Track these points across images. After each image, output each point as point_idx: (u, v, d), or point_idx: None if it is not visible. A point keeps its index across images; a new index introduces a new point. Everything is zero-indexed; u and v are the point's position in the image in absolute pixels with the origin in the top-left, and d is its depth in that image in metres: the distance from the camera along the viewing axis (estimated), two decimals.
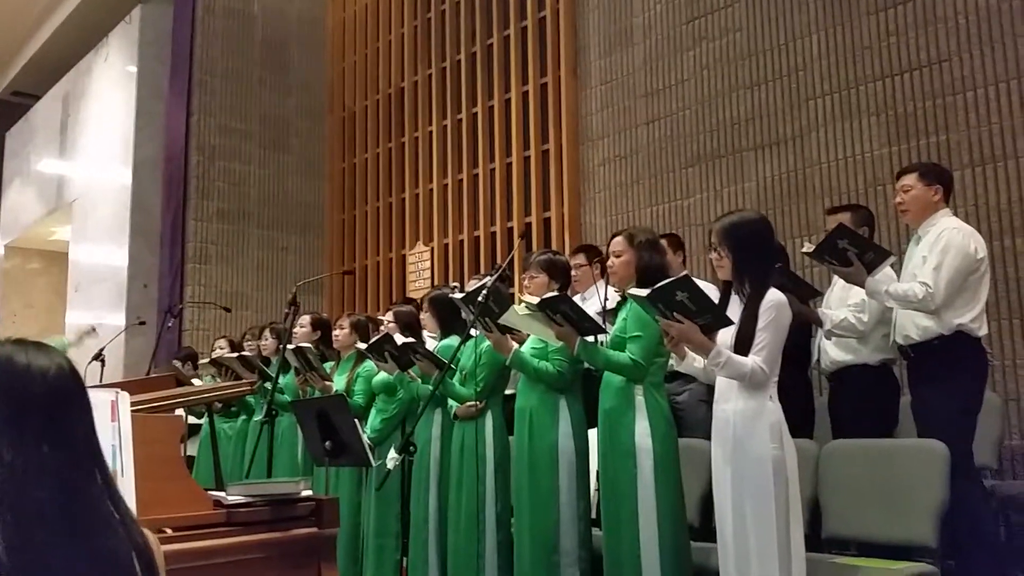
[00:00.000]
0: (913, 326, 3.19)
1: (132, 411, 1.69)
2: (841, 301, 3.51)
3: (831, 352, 3.54)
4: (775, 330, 2.53)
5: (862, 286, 3.14)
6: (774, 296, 2.56)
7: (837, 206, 3.89)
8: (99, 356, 5.29)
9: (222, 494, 1.74)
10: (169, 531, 1.53)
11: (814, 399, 3.81)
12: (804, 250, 3.23)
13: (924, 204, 3.28)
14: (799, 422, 3.41)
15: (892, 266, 3.21)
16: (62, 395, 1.07)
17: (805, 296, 3.49)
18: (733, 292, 2.68)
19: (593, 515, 3.40)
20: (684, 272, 2.62)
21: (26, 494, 1.00)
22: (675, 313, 2.51)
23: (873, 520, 2.97)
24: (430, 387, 3.73)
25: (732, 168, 5.38)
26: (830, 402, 3.61)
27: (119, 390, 1.61)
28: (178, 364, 5.86)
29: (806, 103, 5.06)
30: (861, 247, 3.08)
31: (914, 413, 3.26)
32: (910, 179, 3.31)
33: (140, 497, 1.56)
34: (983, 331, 3.16)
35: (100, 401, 1.57)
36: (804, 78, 5.07)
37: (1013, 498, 3.49)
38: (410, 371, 3.93)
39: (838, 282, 3.52)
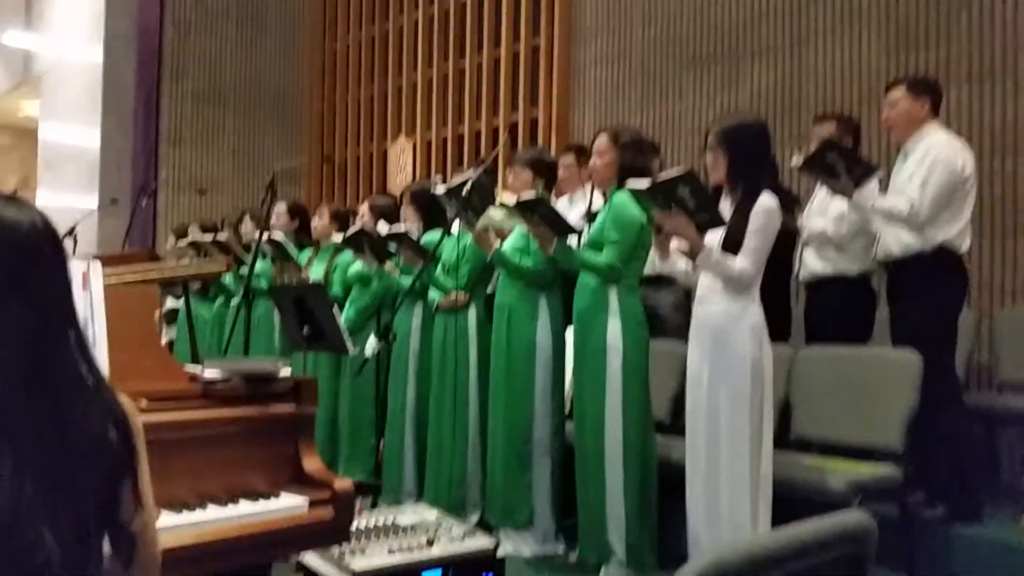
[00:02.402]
0: (896, 242, 3.20)
1: (106, 285, 1.64)
2: (821, 211, 3.50)
3: (810, 263, 3.56)
4: (764, 235, 2.53)
5: (849, 199, 3.12)
6: (767, 200, 2.54)
7: (823, 115, 3.84)
8: (71, 232, 5.17)
9: (198, 368, 1.72)
10: (144, 402, 1.50)
11: (791, 307, 3.85)
12: (792, 163, 3.20)
13: (911, 118, 3.24)
14: (775, 327, 3.45)
15: (879, 181, 3.20)
16: (34, 251, 1.01)
17: (788, 206, 3.47)
18: (724, 195, 2.65)
19: (568, 412, 3.46)
20: (688, 167, 2.58)
21: None
22: (672, 209, 2.49)
23: (842, 424, 3.05)
24: (408, 280, 3.71)
25: (727, 74, 5.25)
26: (806, 310, 3.65)
27: (91, 259, 1.55)
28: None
29: (806, 9, 4.90)
30: (849, 161, 3.06)
31: (892, 326, 3.31)
32: (898, 92, 3.27)
33: (114, 369, 1.54)
34: (965, 247, 3.18)
35: (72, 270, 1.51)
36: None
37: (977, 408, 3.60)
38: (387, 264, 3.89)
39: (819, 192, 3.51)
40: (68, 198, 8.19)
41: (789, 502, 2.60)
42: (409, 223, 4.08)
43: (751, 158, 2.60)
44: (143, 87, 7.74)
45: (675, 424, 3.34)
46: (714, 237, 2.57)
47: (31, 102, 9.80)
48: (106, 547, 1.01)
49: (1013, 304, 4.05)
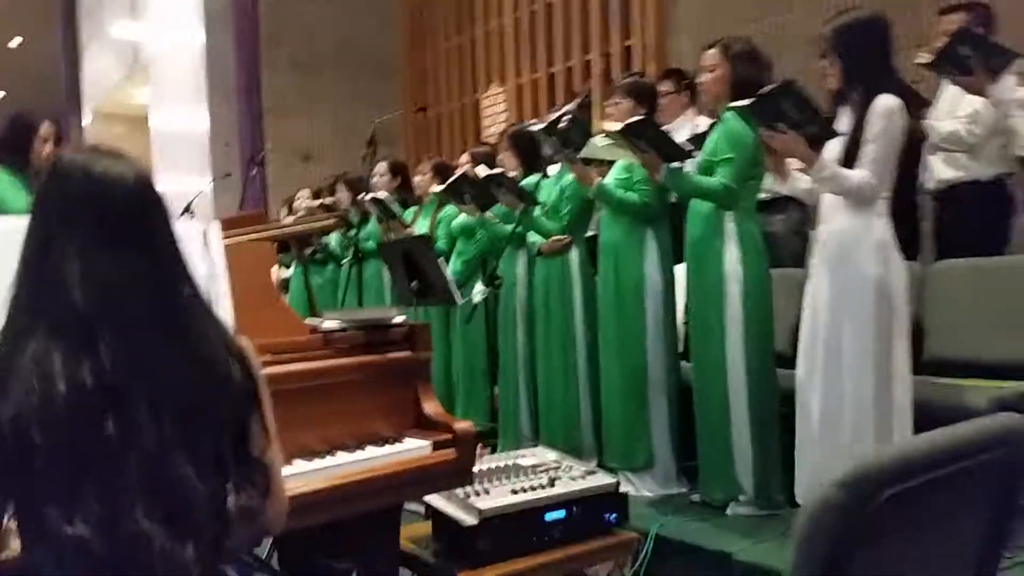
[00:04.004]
0: None
1: (224, 245, 1.70)
2: (950, 112, 3.23)
3: (938, 169, 3.30)
4: (886, 139, 2.34)
5: (983, 95, 2.86)
6: (887, 101, 2.34)
7: (950, 5, 3.52)
8: (188, 209, 5.42)
9: (318, 321, 1.77)
10: (268, 356, 1.55)
11: (919, 222, 3.60)
12: (919, 60, 2.95)
13: None
14: (905, 244, 3.25)
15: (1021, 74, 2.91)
16: (140, 199, 1.06)
17: (916, 109, 3.22)
18: (843, 103, 2.48)
19: (680, 349, 3.39)
20: (788, 79, 2.43)
21: (121, 303, 1.00)
22: (779, 125, 2.35)
23: (980, 341, 2.86)
24: (510, 228, 3.68)
25: None
26: (936, 221, 3.41)
27: (209, 221, 1.61)
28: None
29: None
30: (985, 50, 2.79)
31: None
32: None
33: (238, 324, 1.59)
34: None
35: (192, 231, 1.57)
36: None
37: None
38: (489, 212, 3.87)
39: (946, 90, 3.23)
40: (184, 180, 8.59)
41: (925, 429, 2.46)
42: (508, 168, 4.04)
43: (866, 58, 2.40)
44: (243, 62, 7.97)
45: (796, 356, 3.22)
46: (835, 149, 2.41)
47: (141, 90, 10.27)
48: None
49: None
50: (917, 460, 0.82)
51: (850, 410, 2.39)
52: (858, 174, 2.35)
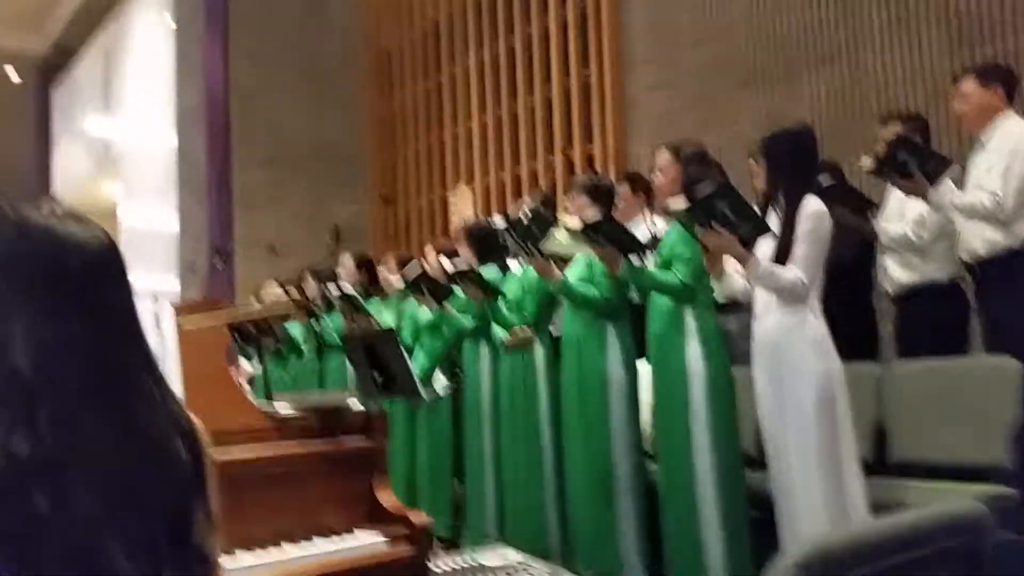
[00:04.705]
0: (979, 239, 3.03)
1: (178, 328, 1.66)
2: (898, 215, 3.35)
3: (894, 273, 3.39)
4: (814, 240, 2.43)
5: (924, 199, 2.98)
6: (812, 205, 2.45)
7: (889, 115, 3.71)
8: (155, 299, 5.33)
9: (272, 407, 1.72)
10: (217, 439, 1.50)
11: (877, 323, 3.67)
12: (863, 165, 3.08)
13: (984, 108, 3.10)
14: (860, 344, 3.29)
15: (955, 180, 3.05)
16: (99, 268, 1.03)
17: (861, 208, 3.34)
18: (770, 205, 2.58)
19: (647, 448, 3.35)
20: (721, 180, 2.53)
21: (62, 369, 0.96)
22: (715, 224, 2.42)
23: (943, 442, 2.85)
24: (471, 322, 3.68)
25: (784, 88, 5.15)
26: (897, 326, 3.46)
27: (159, 298, 1.58)
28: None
29: (859, 12, 4.79)
30: (922, 157, 2.93)
31: (985, 334, 3.12)
32: (968, 83, 3.14)
33: (189, 407, 1.54)
34: None
35: (141, 309, 1.53)
36: None
37: None
38: (447, 305, 3.88)
39: (893, 194, 3.36)
40: (152, 275, 8.52)
41: None
42: (465, 261, 4.08)
43: (790, 163, 2.53)
44: (215, 159, 8.07)
45: (762, 456, 3.19)
46: (766, 250, 2.49)
47: (111, 184, 10.30)
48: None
49: None
50: (879, 543, 0.80)
51: (803, 507, 2.36)
52: (791, 272, 2.41)
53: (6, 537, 0.89)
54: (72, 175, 11.27)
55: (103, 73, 10.18)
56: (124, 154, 9.57)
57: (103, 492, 0.94)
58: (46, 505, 0.90)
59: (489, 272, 3.92)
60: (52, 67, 12.03)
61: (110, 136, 10.06)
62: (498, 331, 3.71)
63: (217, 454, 1.16)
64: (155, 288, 8.05)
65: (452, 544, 3.61)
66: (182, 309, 2.04)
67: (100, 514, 0.93)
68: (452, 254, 4.36)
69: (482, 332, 3.75)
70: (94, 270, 1.02)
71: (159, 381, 1.05)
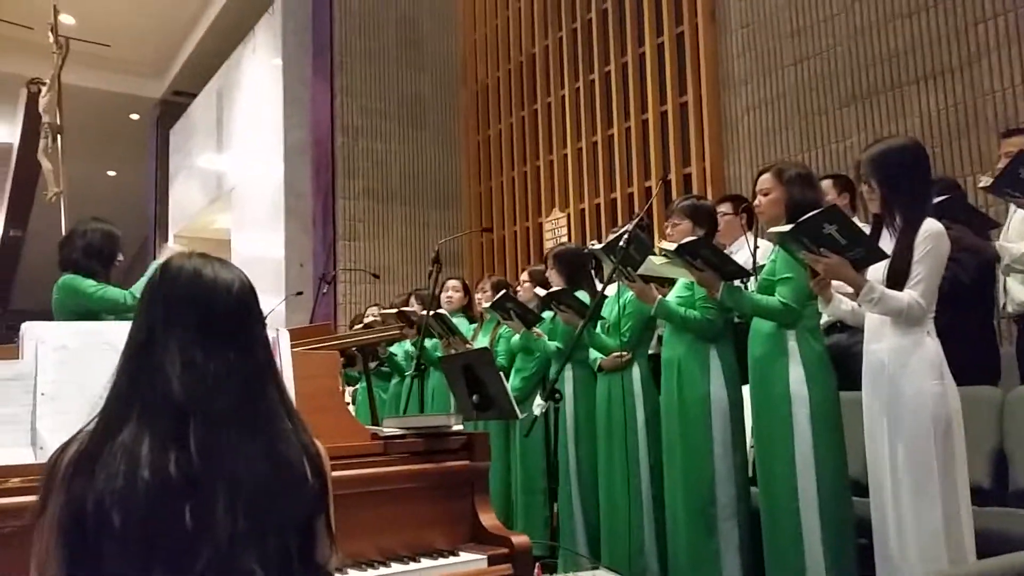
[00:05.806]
0: None
1: (292, 352, 1.75)
2: (1020, 234, 3.18)
3: (1016, 293, 3.21)
4: (932, 262, 2.33)
5: None
6: (930, 226, 2.35)
7: (1012, 128, 3.53)
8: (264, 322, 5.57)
9: (378, 428, 1.78)
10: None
11: (998, 345, 3.48)
12: (981, 185, 2.95)
13: None
14: (982, 369, 3.12)
15: None
16: (243, 306, 1.14)
17: (982, 228, 3.19)
18: (885, 226, 2.48)
19: (749, 473, 3.26)
20: (832, 203, 2.45)
21: (215, 398, 1.05)
22: (823, 249, 2.35)
23: None
24: (558, 344, 3.69)
25: (892, 104, 4.98)
26: (1019, 348, 3.28)
27: (279, 328, 1.67)
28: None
29: (973, 27, 4.60)
30: None
31: None
32: None
33: None
34: None
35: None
36: (968, 0, 4.61)
37: None
38: (535, 328, 3.92)
39: (1016, 213, 3.19)
40: (262, 302, 8.90)
41: None
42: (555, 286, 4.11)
43: (906, 182, 2.42)
44: (319, 191, 8.43)
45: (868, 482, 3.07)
46: (878, 272, 2.40)
47: (224, 215, 10.88)
48: None
49: None
50: None
51: (914, 536, 2.25)
52: (907, 295, 2.32)
53: (157, 550, 0.97)
54: (188, 207, 11.95)
55: (216, 112, 10.80)
56: (235, 187, 10.09)
57: (244, 510, 1.00)
58: (193, 521, 0.97)
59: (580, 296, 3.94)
60: (170, 108, 12.87)
61: (222, 171, 10.64)
62: (594, 353, 3.71)
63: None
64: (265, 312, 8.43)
65: (548, 566, 3.59)
66: (294, 334, 2.14)
67: (240, 531, 0.99)
68: (542, 277, 4.40)
69: (570, 355, 3.76)
70: (239, 308, 1.13)
71: (289, 408, 1.12)
